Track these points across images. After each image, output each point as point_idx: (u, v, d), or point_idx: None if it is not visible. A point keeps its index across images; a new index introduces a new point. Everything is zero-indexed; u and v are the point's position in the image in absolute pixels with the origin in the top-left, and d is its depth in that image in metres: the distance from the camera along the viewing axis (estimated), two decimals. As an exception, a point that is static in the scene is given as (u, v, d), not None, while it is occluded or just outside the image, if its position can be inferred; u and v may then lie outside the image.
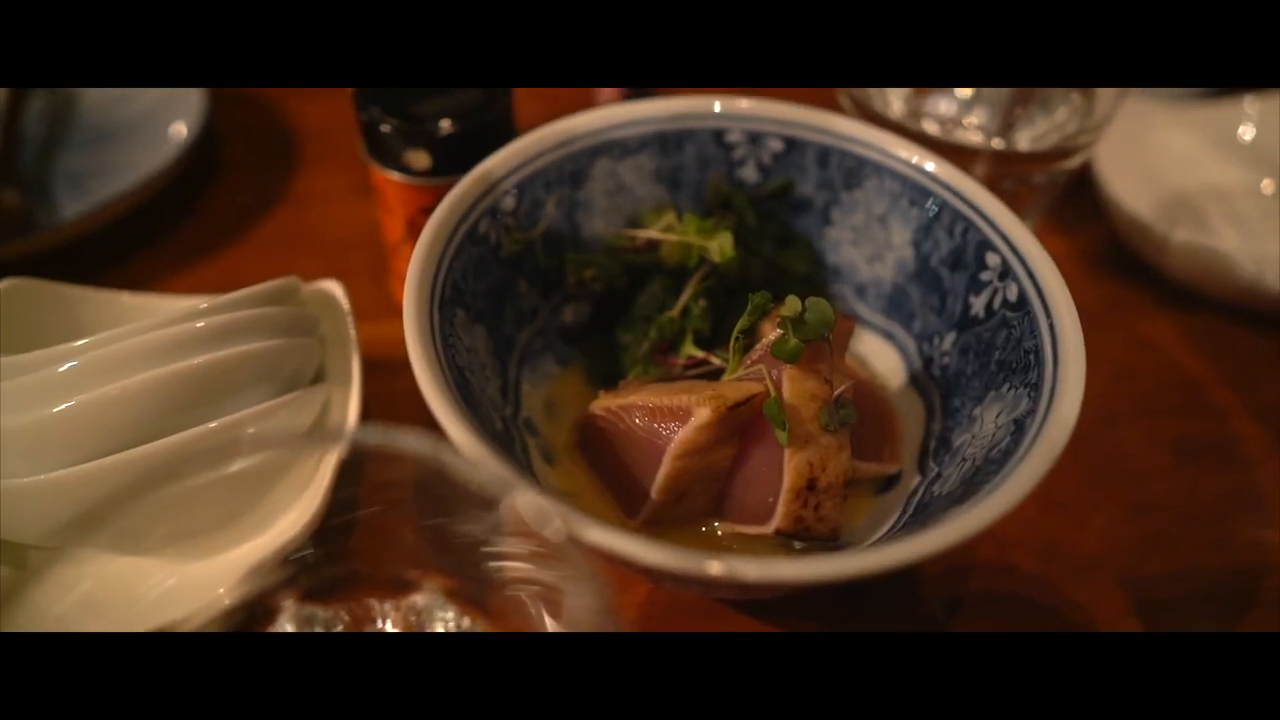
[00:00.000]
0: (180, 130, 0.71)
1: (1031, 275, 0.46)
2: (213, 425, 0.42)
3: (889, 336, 0.55)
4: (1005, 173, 0.59)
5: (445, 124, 0.52)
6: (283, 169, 0.76)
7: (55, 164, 0.72)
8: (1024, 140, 0.62)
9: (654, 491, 0.44)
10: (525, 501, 0.29)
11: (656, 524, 0.46)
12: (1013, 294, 0.46)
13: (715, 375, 0.48)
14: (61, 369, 0.41)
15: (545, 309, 0.54)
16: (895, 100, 0.64)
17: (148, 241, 0.68)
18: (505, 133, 0.55)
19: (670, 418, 0.44)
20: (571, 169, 0.53)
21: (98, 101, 0.76)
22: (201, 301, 0.46)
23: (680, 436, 0.43)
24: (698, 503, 0.46)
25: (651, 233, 0.52)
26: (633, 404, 0.45)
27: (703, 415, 0.42)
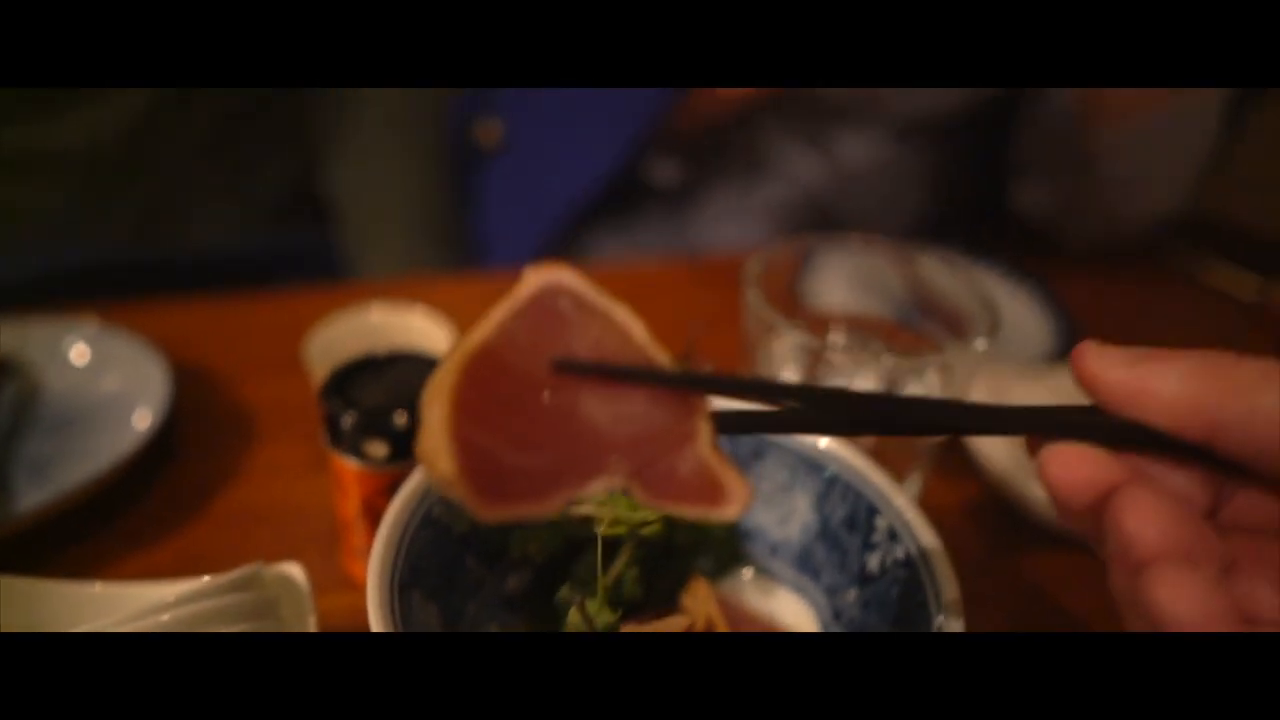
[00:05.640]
0: (145, 416, 0.76)
1: (914, 536, 0.53)
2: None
3: (801, 591, 0.61)
4: (889, 441, 0.68)
5: (401, 418, 0.59)
6: (238, 445, 0.81)
7: (18, 451, 0.75)
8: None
9: None
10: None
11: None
12: (900, 553, 0.54)
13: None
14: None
15: (491, 579, 0.59)
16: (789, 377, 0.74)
17: (105, 521, 0.71)
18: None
19: None
20: (514, 452, 0.60)
21: (64, 388, 0.82)
22: (169, 593, 0.50)
23: None
24: None
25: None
26: None
27: None
